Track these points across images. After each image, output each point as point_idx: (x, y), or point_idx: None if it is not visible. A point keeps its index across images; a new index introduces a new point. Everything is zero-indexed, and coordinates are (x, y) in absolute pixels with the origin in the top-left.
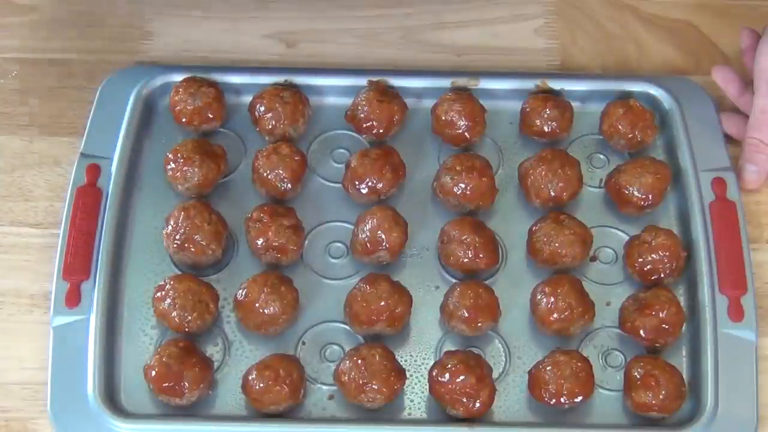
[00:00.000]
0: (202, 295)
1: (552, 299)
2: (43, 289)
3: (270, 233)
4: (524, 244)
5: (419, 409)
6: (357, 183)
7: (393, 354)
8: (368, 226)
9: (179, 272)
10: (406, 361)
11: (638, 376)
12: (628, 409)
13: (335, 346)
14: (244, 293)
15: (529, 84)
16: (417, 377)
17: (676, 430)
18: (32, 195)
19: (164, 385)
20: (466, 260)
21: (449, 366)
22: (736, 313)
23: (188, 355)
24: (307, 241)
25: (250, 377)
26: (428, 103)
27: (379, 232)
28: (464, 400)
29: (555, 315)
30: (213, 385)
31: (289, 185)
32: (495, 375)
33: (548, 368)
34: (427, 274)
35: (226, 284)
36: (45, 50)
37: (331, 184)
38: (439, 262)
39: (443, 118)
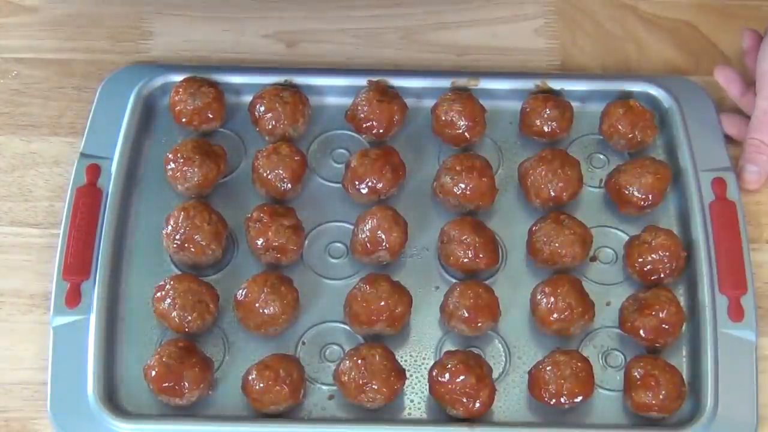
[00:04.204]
0: (202, 295)
1: (552, 299)
2: (43, 289)
3: (270, 233)
4: (524, 244)
5: (419, 409)
6: (357, 183)
7: (393, 354)
8: (368, 226)
9: (179, 272)
10: (406, 361)
11: (638, 376)
12: (628, 409)
13: (335, 346)
14: (244, 293)
15: (529, 84)
16: (417, 377)
17: (676, 430)
18: (32, 195)
19: (164, 385)
20: (466, 260)
21: (449, 366)
22: (736, 313)
23: (188, 355)
24: (307, 241)
25: (250, 377)
26: (428, 103)
27: (379, 232)
28: (464, 400)
29: (555, 315)
30: (213, 385)
31: (289, 185)
32: (495, 375)
33: (548, 368)
34: (427, 274)
35: (226, 284)
36: (45, 50)
37: (331, 184)
38: (439, 262)
39: (443, 118)
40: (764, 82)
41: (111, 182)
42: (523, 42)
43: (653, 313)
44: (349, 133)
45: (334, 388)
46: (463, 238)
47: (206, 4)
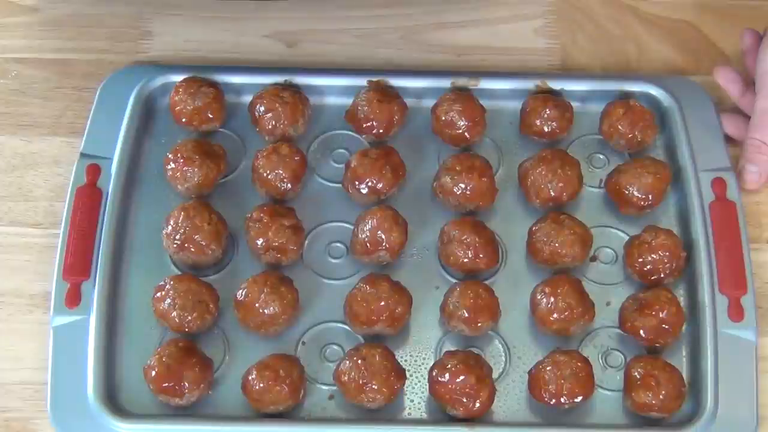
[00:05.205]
0: (202, 295)
1: (552, 299)
2: (43, 289)
3: (270, 233)
4: (524, 244)
5: (419, 409)
6: (357, 183)
7: (393, 354)
8: (368, 226)
9: (179, 272)
10: (406, 361)
11: (638, 376)
12: (628, 409)
13: (335, 346)
14: (244, 293)
15: (529, 84)
16: (417, 377)
17: (676, 430)
18: (32, 195)
19: (164, 385)
20: (466, 260)
21: (449, 366)
22: (736, 313)
23: (188, 355)
24: (307, 241)
25: (250, 377)
26: (428, 103)
27: (379, 232)
28: (464, 400)
29: (555, 315)
30: (213, 385)
31: (289, 185)
32: (495, 375)
33: (548, 368)
34: (427, 274)
35: (226, 284)
36: (45, 50)
37: (331, 184)
38: (439, 262)
39: (443, 118)
40: (764, 82)
41: (111, 182)
42: (523, 42)
43: (653, 313)
44: (349, 133)
45: (334, 388)
46: (463, 238)
47: (206, 4)
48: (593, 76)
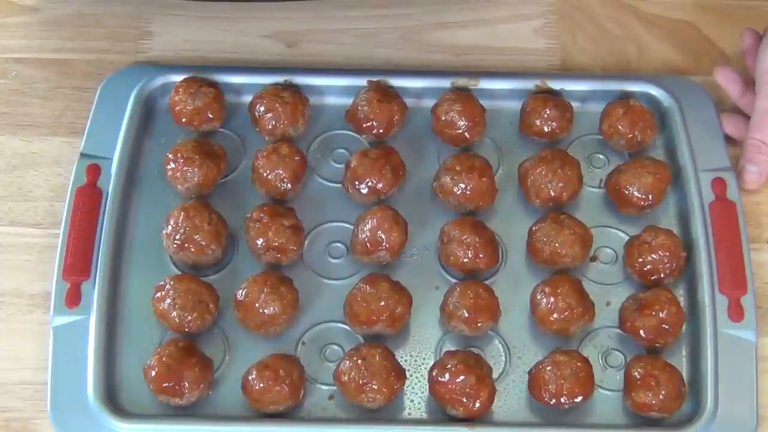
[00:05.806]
0: (202, 295)
1: (552, 299)
2: (43, 289)
3: (270, 233)
4: (524, 244)
5: (419, 409)
6: (357, 183)
7: (393, 354)
8: (368, 226)
9: (179, 272)
10: (406, 361)
11: (638, 376)
12: (628, 409)
13: (335, 346)
14: (244, 293)
15: (529, 84)
16: (417, 377)
17: (676, 430)
18: (32, 195)
19: (164, 385)
20: (466, 260)
21: (449, 366)
22: (736, 313)
23: (188, 355)
24: (307, 241)
25: (250, 377)
26: (428, 103)
27: (379, 232)
28: (464, 400)
29: (555, 315)
30: (213, 385)
31: (289, 185)
32: (495, 375)
33: (548, 368)
34: (427, 274)
35: (226, 284)
36: (45, 50)
37: (331, 184)
38: (439, 262)
39: (443, 118)
40: (764, 82)
41: (111, 182)
42: (523, 42)
43: (653, 313)
44: (349, 133)
45: (334, 388)
46: (463, 238)
47: (206, 4)
48: (593, 76)
